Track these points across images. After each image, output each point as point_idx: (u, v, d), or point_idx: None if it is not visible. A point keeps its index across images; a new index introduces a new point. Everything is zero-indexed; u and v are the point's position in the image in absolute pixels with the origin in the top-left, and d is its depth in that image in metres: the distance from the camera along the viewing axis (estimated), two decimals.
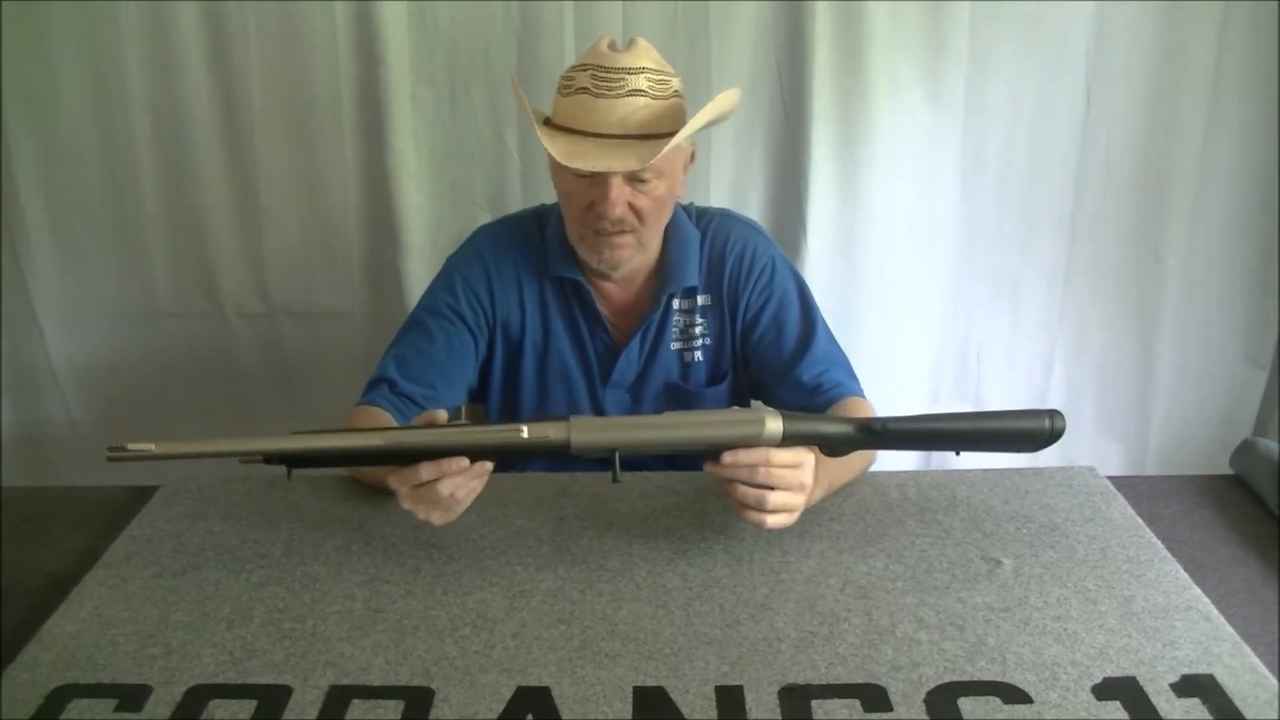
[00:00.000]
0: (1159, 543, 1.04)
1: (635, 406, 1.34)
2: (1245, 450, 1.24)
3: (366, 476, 1.12)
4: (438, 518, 0.96)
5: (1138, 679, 0.84)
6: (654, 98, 1.14)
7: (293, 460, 0.93)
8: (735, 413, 0.97)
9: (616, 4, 1.70)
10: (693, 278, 1.29)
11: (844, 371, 1.29)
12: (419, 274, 1.81)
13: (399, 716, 0.81)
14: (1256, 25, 1.71)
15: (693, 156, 1.27)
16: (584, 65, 1.16)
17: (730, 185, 1.81)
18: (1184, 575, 0.98)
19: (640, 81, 1.14)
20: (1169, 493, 1.21)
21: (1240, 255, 1.86)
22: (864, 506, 1.11)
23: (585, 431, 0.93)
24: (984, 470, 1.18)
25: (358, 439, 0.94)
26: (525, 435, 0.92)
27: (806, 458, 0.97)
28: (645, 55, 1.16)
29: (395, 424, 1.19)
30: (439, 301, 1.28)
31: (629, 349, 1.30)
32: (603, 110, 1.13)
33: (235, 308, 1.90)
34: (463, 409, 1.41)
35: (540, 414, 1.34)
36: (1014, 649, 0.88)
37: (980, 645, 0.88)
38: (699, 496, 1.13)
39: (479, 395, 1.36)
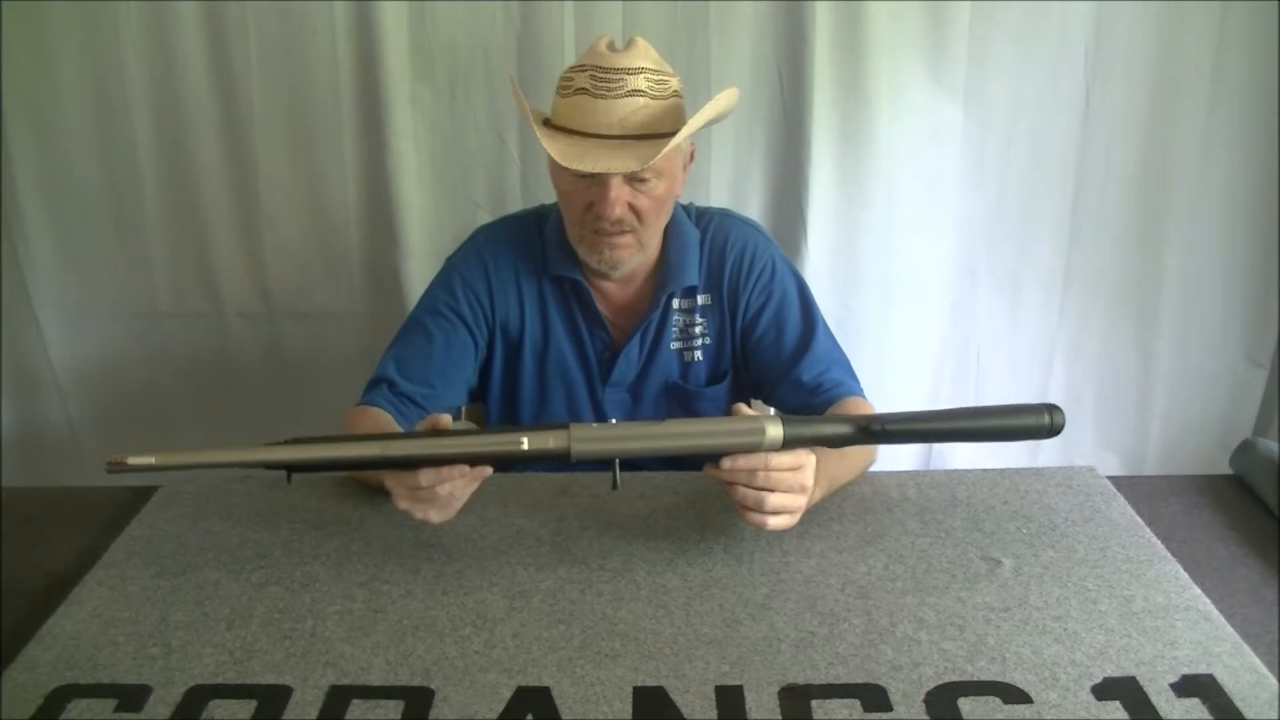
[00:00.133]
0: (1159, 543, 1.04)
1: (635, 406, 1.34)
2: (1245, 450, 1.24)
3: (367, 478, 1.13)
4: (435, 515, 0.96)
5: (1138, 679, 0.84)
6: (653, 98, 1.14)
7: (293, 468, 0.93)
8: (735, 420, 0.96)
9: (616, 4, 1.70)
10: (693, 277, 1.29)
11: (844, 371, 1.29)
12: (419, 274, 1.81)
13: (399, 716, 0.81)
14: (1256, 25, 1.70)
15: (692, 156, 1.27)
16: (583, 66, 1.16)
17: (730, 185, 1.81)
18: (1184, 575, 0.98)
19: (639, 82, 1.14)
20: (1169, 493, 1.21)
21: (1240, 255, 1.86)
22: (864, 506, 1.11)
23: (585, 441, 0.92)
24: (984, 470, 1.19)
25: (357, 448, 0.94)
26: (525, 447, 0.92)
27: (807, 459, 0.97)
28: (644, 55, 1.16)
29: (395, 424, 1.19)
30: (438, 302, 1.28)
31: (629, 349, 1.30)
32: (602, 111, 1.13)
33: (235, 308, 1.90)
34: (462, 409, 1.42)
35: (539, 419, 1.34)
36: (1014, 649, 0.88)
37: (980, 645, 0.88)
38: (699, 496, 1.13)
39: (478, 395, 1.36)
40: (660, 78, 1.16)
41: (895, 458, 1.20)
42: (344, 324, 1.91)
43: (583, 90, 1.14)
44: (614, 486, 0.94)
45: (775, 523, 0.97)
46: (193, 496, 1.14)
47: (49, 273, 1.86)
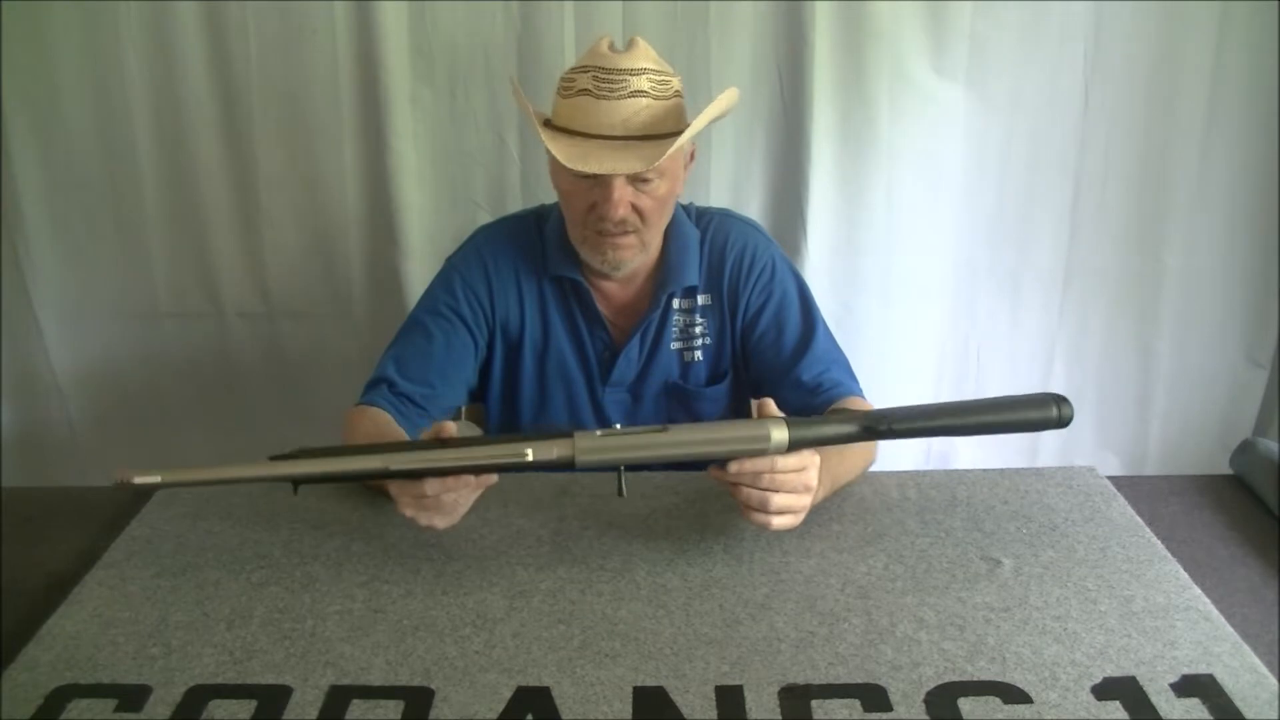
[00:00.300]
0: (1159, 543, 1.04)
1: (635, 406, 1.34)
2: (1245, 450, 1.25)
3: (371, 483, 1.12)
4: (440, 522, 0.96)
5: (1138, 679, 0.84)
6: (655, 98, 1.14)
7: (298, 482, 0.93)
8: (740, 425, 0.96)
9: (616, 4, 1.70)
10: (693, 277, 1.29)
11: (843, 371, 1.29)
12: (419, 274, 1.81)
13: (399, 716, 0.81)
14: (1256, 25, 1.70)
15: (692, 156, 1.28)
16: (585, 67, 1.16)
17: (730, 185, 1.81)
18: (1184, 575, 0.98)
19: (642, 82, 1.14)
20: (1169, 493, 1.21)
21: (1240, 255, 1.86)
22: (864, 506, 1.11)
23: (589, 450, 0.92)
24: (984, 470, 1.19)
25: (361, 461, 0.94)
26: (529, 456, 0.92)
27: (812, 460, 0.97)
28: (645, 56, 1.16)
29: (395, 424, 1.19)
30: (438, 302, 1.28)
31: (629, 349, 1.30)
32: (605, 111, 1.13)
33: (235, 308, 1.90)
34: (462, 409, 1.42)
35: (539, 419, 1.34)
36: (1014, 649, 0.88)
37: (980, 645, 0.88)
38: (699, 496, 1.13)
39: (478, 395, 1.36)
40: (662, 78, 1.16)
41: (895, 458, 1.20)
42: (344, 324, 1.91)
43: (585, 91, 1.14)
44: (620, 494, 0.94)
45: (779, 523, 0.97)
46: (193, 496, 1.14)
47: (49, 273, 1.86)
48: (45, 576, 1.03)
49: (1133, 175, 1.82)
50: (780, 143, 1.79)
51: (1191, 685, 0.83)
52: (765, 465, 0.94)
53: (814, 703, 0.81)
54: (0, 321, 1.88)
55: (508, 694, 0.83)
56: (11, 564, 1.06)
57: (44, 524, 1.15)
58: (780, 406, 0.97)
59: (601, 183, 1.15)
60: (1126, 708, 0.80)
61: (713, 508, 1.10)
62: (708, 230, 1.31)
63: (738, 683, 0.84)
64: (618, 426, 0.96)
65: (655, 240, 1.25)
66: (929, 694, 0.82)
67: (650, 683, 0.84)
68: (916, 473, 1.19)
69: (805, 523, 1.01)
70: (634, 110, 1.14)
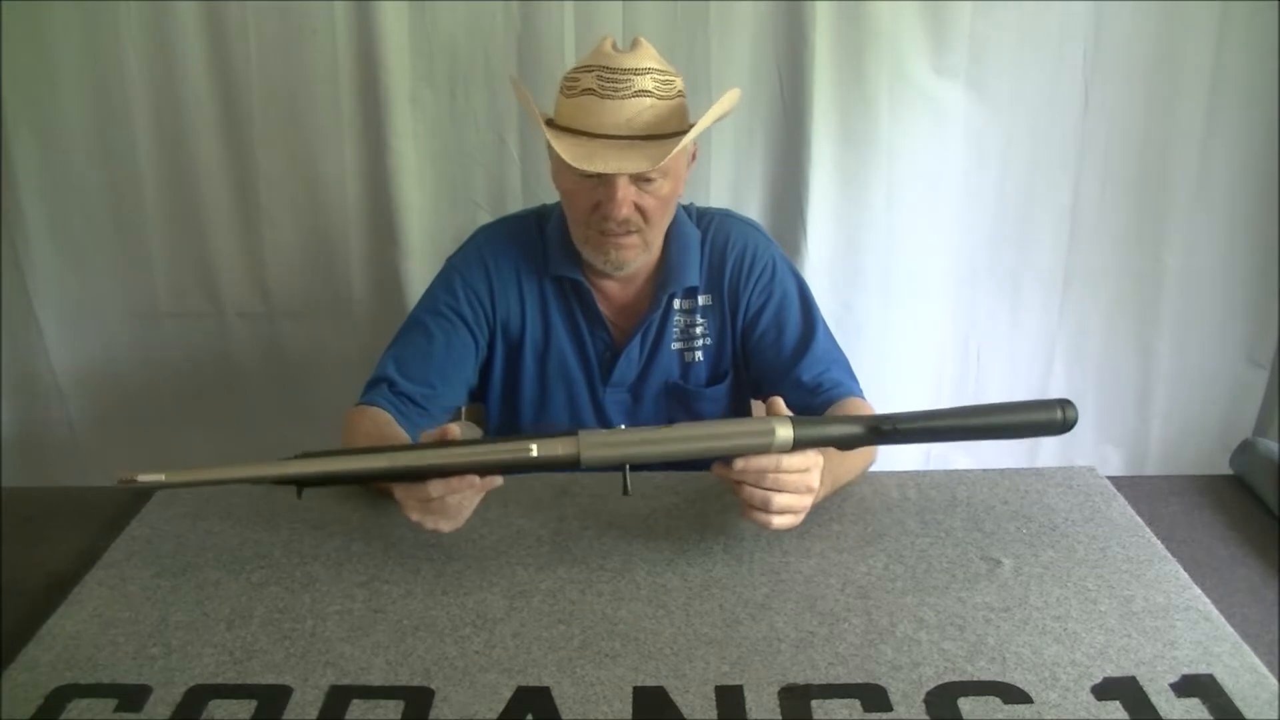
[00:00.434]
0: (1159, 543, 1.03)
1: (636, 407, 1.34)
2: (1245, 450, 1.24)
3: (375, 485, 1.12)
4: (446, 525, 0.97)
5: (1138, 679, 0.84)
6: (660, 98, 1.15)
7: (302, 483, 0.93)
8: (745, 422, 0.97)
9: (616, 4, 1.70)
10: (693, 278, 1.29)
11: (843, 371, 1.29)
12: (419, 274, 1.81)
13: (399, 716, 0.81)
14: (1256, 25, 1.71)
15: (694, 156, 1.28)
16: (588, 66, 1.16)
17: (730, 185, 1.81)
18: (1184, 575, 0.98)
19: (646, 82, 1.14)
20: (1169, 493, 1.21)
21: (1240, 255, 1.86)
22: (864, 506, 1.11)
23: (595, 447, 0.92)
24: (984, 470, 1.18)
25: (366, 461, 0.94)
26: (535, 453, 0.92)
27: (816, 461, 0.97)
28: (649, 55, 1.17)
29: (395, 424, 1.19)
30: (439, 301, 1.28)
31: (629, 349, 1.30)
32: (609, 111, 1.13)
33: (235, 308, 1.90)
34: (462, 409, 1.42)
35: (540, 419, 1.34)
36: (1014, 649, 0.88)
37: (980, 645, 0.88)
38: (699, 496, 1.13)
39: (479, 395, 1.36)
40: (666, 78, 1.16)
41: (895, 458, 1.20)
42: (344, 324, 1.91)
43: (589, 91, 1.14)
44: (625, 492, 0.94)
45: (780, 522, 0.97)
46: (193, 496, 1.13)
47: (49, 273, 1.86)
48: (45, 576, 1.03)
49: (1133, 175, 1.82)
50: (780, 143, 1.79)
51: (1191, 685, 0.83)
52: (770, 464, 0.94)
53: (814, 703, 0.81)
54: (0, 321, 1.88)
55: (508, 694, 0.83)
56: (11, 564, 1.06)
57: (44, 524, 1.15)
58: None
59: (605, 182, 1.15)
60: (1126, 708, 0.80)
61: (713, 508, 1.10)
62: (708, 231, 1.31)
63: (738, 683, 0.84)
64: (622, 427, 0.96)
65: (658, 240, 1.25)
66: (929, 694, 0.82)
67: (650, 683, 0.84)
68: (916, 473, 1.19)
69: (805, 523, 1.01)
70: (638, 110, 1.14)
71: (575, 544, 1.04)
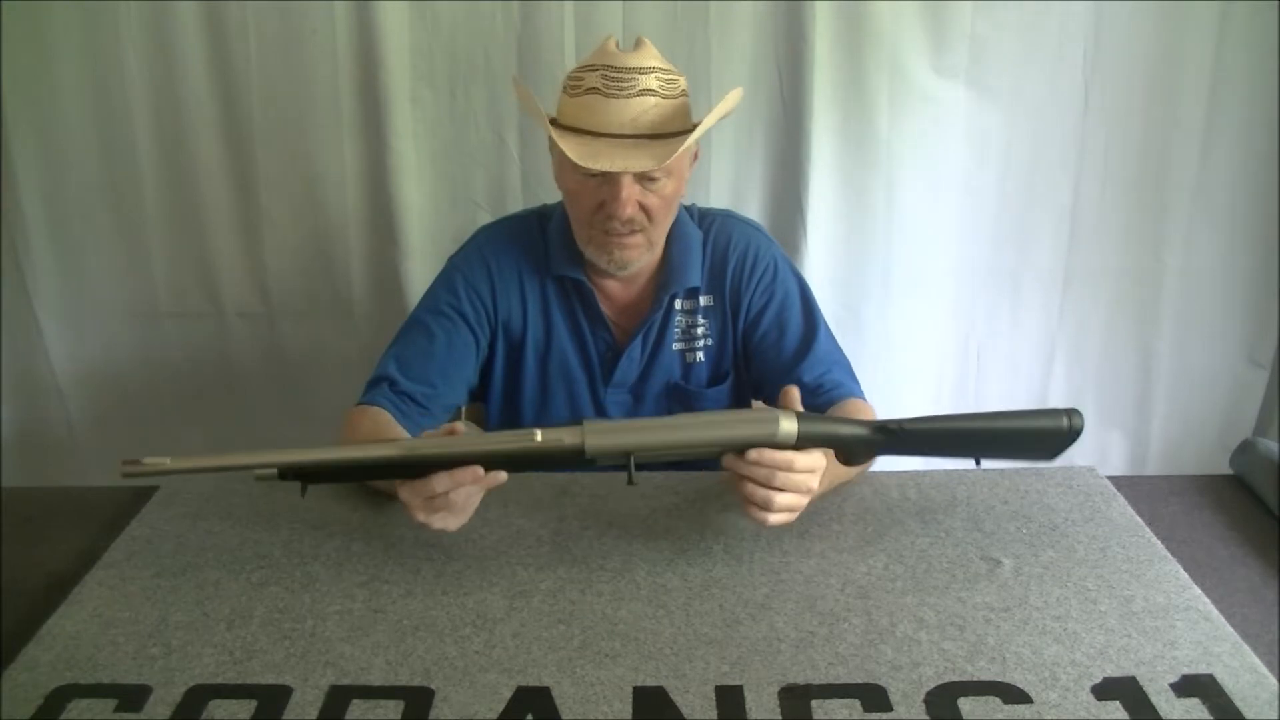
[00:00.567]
0: (1159, 543, 1.04)
1: (637, 407, 1.34)
2: (1245, 450, 1.24)
3: (377, 486, 1.12)
4: (452, 523, 0.96)
5: (1138, 679, 0.84)
6: (664, 97, 1.15)
7: (307, 474, 0.93)
8: (750, 412, 0.97)
9: (616, 4, 1.70)
10: (695, 278, 1.29)
11: (845, 372, 1.29)
12: (419, 274, 1.81)
13: (399, 716, 0.81)
14: (1256, 25, 1.71)
15: (695, 156, 1.28)
16: (593, 65, 1.16)
17: (730, 185, 1.81)
18: (1184, 575, 0.98)
19: (651, 81, 1.14)
20: (1169, 493, 1.21)
21: (1240, 255, 1.86)
22: (864, 506, 1.11)
23: (600, 435, 0.92)
24: (984, 470, 1.18)
25: (372, 450, 0.94)
26: (539, 439, 0.92)
27: (821, 464, 0.98)
28: (652, 55, 1.17)
29: (395, 423, 1.19)
30: (440, 301, 1.28)
31: (631, 349, 1.30)
32: (614, 110, 1.13)
33: (235, 308, 1.90)
34: (462, 409, 1.42)
35: (541, 419, 1.34)
36: (1014, 649, 0.88)
37: (980, 645, 0.88)
38: (699, 496, 1.13)
39: (479, 395, 1.36)
40: (670, 77, 1.16)
41: (895, 458, 1.20)
42: (344, 324, 1.91)
43: (594, 90, 1.14)
44: (630, 482, 0.94)
45: (776, 519, 0.97)
46: (193, 496, 1.14)
47: (49, 273, 1.86)
48: (45, 576, 1.03)
49: (1133, 175, 1.82)
50: (780, 143, 1.79)
51: (1191, 685, 0.83)
52: (784, 462, 0.94)
53: (814, 703, 0.81)
54: (0, 321, 1.88)
55: (508, 694, 0.83)
56: (11, 564, 1.06)
57: (44, 524, 1.15)
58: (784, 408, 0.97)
59: (610, 181, 1.15)
60: (1126, 708, 0.80)
61: (713, 508, 1.10)
62: (710, 231, 1.31)
63: (738, 683, 0.84)
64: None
65: (661, 239, 1.25)
66: (929, 694, 0.82)
67: (650, 683, 0.84)
68: (916, 473, 1.19)
69: (805, 523, 1.01)
70: (643, 109, 1.14)
71: (575, 544, 1.04)
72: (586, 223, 1.20)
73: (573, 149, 1.12)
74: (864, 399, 1.26)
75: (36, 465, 2.00)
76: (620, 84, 1.13)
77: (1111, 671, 0.85)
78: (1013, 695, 0.82)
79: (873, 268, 1.86)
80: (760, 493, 0.96)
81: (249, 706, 0.82)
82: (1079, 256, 1.87)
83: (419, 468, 0.93)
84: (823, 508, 1.08)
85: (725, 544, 1.04)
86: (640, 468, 0.95)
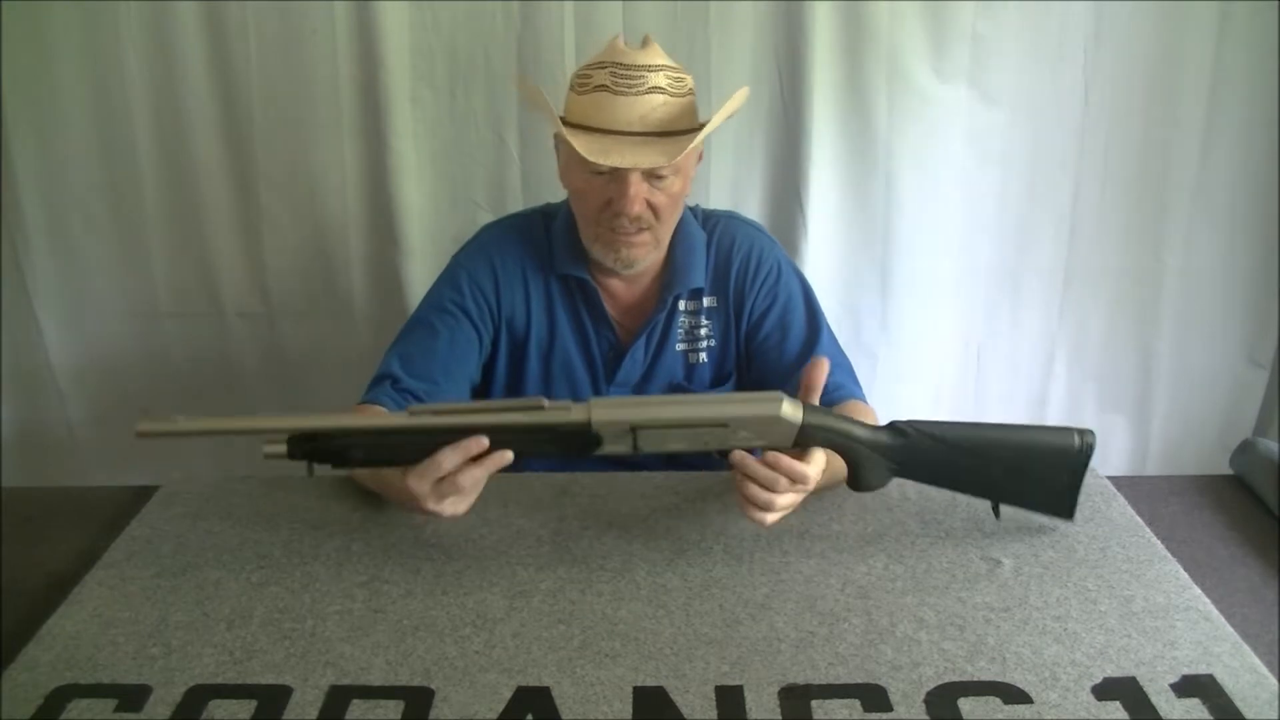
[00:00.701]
0: (1159, 543, 1.04)
1: None
2: (1245, 450, 1.25)
3: (368, 481, 1.12)
4: (462, 506, 0.96)
5: (1138, 679, 0.84)
6: (672, 95, 1.15)
7: (316, 452, 0.93)
8: (754, 393, 0.98)
9: (616, 4, 1.70)
10: (699, 279, 1.29)
11: (846, 375, 1.29)
12: (419, 274, 1.81)
13: (399, 716, 0.81)
14: (1256, 25, 1.71)
15: (700, 155, 1.28)
16: (601, 63, 1.16)
17: (730, 185, 1.81)
18: (1184, 575, 0.98)
19: (660, 79, 1.14)
20: (1169, 493, 1.21)
21: (1240, 255, 1.86)
22: (864, 506, 1.11)
23: (606, 409, 0.93)
24: None
25: (380, 420, 0.96)
26: (545, 406, 0.93)
27: (821, 462, 0.98)
28: (660, 53, 1.17)
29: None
30: (444, 297, 1.28)
31: (634, 349, 1.30)
32: (623, 107, 1.13)
33: (235, 308, 1.90)
34: None
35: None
36: (1014, 649, 0.88)
37: (980, 645, 0.88)
38: (699, 496, 1.13)
39: (483, 392, 1.36)
40: (678, 75, 1.16)
41: None
42: (344, 324, 1.91)
43: (603, 87, 1.14)
44: (634, 451, 0.94)
45: (772, 519, 0.97)
46: (193, 496, 1.14)
47: (49, 273, 1.86)
48: (45, 576, 1.04)
49: (1133, 175, 1.82)
50: (780, 143, 1.79)
51: (1191, 685, 0.83)
52: (799, 475, 0.94)
53: (814, 703, 0.81)
54: (0, 321, 1.88)
55: (508, 694, 0.83)
56: (11, 564, 1.07)
57: (44, 524, 1.15)
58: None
59: (618, 179, 1.15)
60: (1126, 708, 0.80)
61: (713, 508, 1.10)
62: (714, 232, 1.31)
63: (738, 683, 0.84)
64: None
65: (667, 238, 1.25)
66: (929, 694, 0.82)
67: (650, 683, 0.84)
68: None
69: (805, 523, 1.02)
70: (652, 106, 1.14)
71: (575, 544, 1.04)
72: (593, 220, 1.20)
73: (583, 145, 1.12)
74: (865, 401, 1.26)
75: (36, 465, 1.99)
76: (629, 81, 1.13)
77: (1111, 671, 0.85)
78: (1013, 695, 0.82)
79: (872, 268, 1.86)
80: (763, 495, 0.96)
81: (249, 706, 0.82)
82: (1079, 256, 1.87)
83: (425, 441, 0.93)
84: (823, 508, 1.08)
85: (725, 544, 1.04)
86: (643, 464, 0.95)
